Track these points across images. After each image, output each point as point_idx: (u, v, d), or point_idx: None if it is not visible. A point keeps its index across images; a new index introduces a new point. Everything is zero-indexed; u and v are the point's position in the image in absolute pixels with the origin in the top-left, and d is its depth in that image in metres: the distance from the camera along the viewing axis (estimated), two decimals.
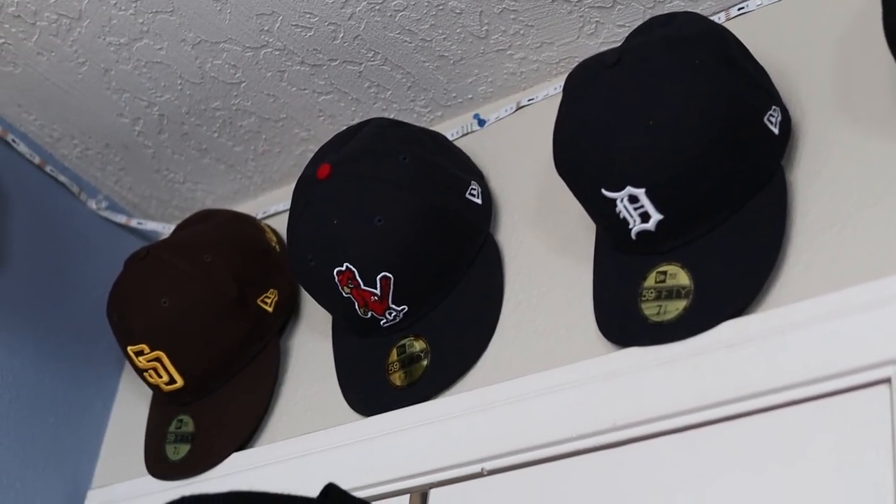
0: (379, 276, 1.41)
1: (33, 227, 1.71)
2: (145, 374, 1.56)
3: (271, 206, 1.74)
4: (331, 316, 1.54)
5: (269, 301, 1.57)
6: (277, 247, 1.63)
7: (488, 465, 1.32)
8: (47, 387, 1.67)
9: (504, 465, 1.31)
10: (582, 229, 1.39)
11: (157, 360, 1.54)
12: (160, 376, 1.55)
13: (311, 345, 1.58)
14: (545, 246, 1.43)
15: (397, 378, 1.42)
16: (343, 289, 1.42)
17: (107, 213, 1.79)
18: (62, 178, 1.75)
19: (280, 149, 1.69)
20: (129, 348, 1.55)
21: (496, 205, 1.49)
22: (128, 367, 1.74)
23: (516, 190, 1.49)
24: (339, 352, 1.51)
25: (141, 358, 1.55)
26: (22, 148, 1.71)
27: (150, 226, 1.81)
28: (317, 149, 1.62)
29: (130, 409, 1.71)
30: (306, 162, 1.67)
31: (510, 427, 1.31)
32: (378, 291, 1.41)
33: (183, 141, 1.70)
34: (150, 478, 1.59)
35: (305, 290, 1.50)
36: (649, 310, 1.26)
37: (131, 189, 1.79)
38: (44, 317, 1.70)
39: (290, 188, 1.72)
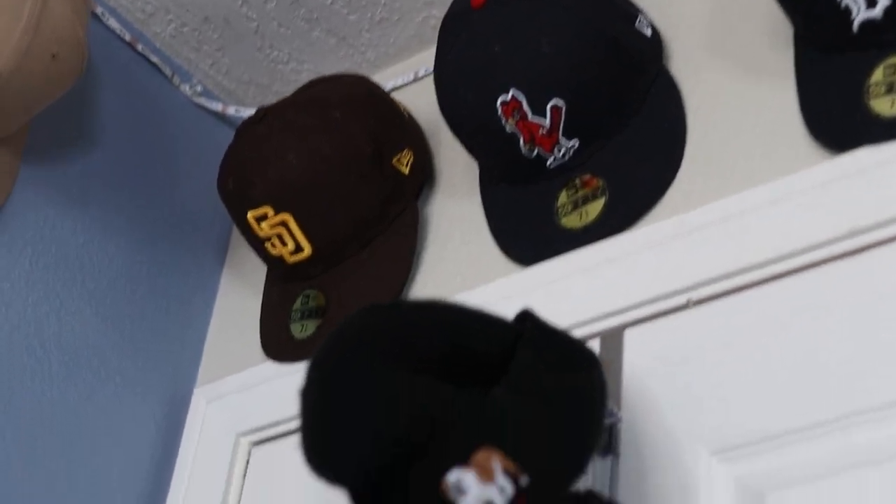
0: (549, 105, 1.26)
1: (124, 108, 1.55)
2: (267, 243, 1.40)
3: (387, 82, 1.58)
4: (475, 175, 1.39)
5: (404, 162, 1.41)
6: (406, 114, 1.48)
7: (695, 295, 1.16)
8: (145, 275, 1.50)
9: (715, 291, 1.16)
10: (765, 49, 1.25)
11: (283, 224, 1.38)
12: (285, 244, 1.39)
13: (452, 210, 1.41)
14: (724, 73, 1.28)
15: (570, 221, 1.27)
16: (507, 122, 1.27)
17: (202, 100, 1.63)
18: (154, 59, 1.59)
19: (399, 16, 1.55)
20: (249, 213, 1.39)
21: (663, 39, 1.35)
22: (231, 258, 1.59)
23: (680, 22, 1.35)
24: (492, 203, 1.36)
25: (263, 224, 1.38)
26: (112, 23, 1.56)
27: (248, 113, 1.64)
28: (441, 14, 1.47)
29: (236, 302, 1.55)
30: (427, 32, 1.54)
31: (720, 249, 1.16)
32: (547, 122, 1.26)
33: (291, 10, 1.55)
34: (264, 366, 1.43)
35: (457, 135, 1.35)
36: (881, 105, 1.12)
37: (228, 73, 1.64)
38: (138, 199, 1.53)
39: (406, 63, 1.60)
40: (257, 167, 1.38)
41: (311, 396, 0.96)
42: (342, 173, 1.37)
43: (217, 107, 1.64)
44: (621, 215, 1.24)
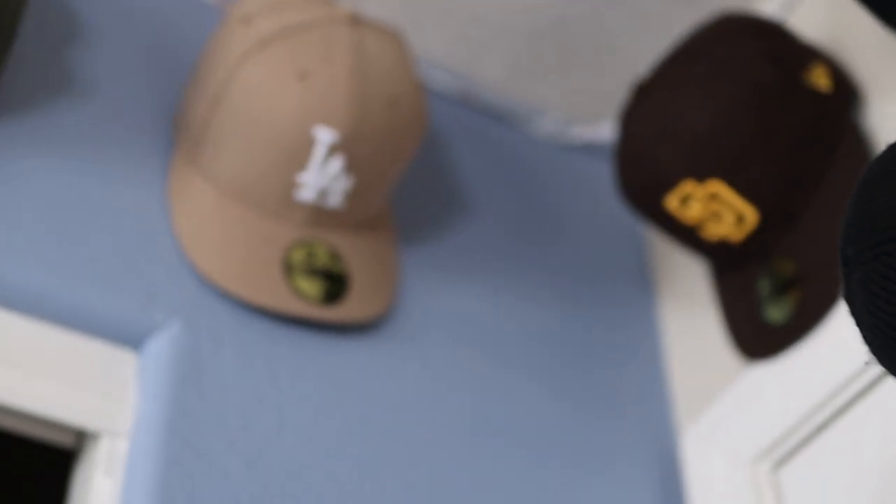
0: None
1: (482, 164, 1.36)
2: (700, 231, 1.15)
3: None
4: None
5: (820, 75, 1.16)
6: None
7: None
8: (570, 333, 1.28)
9: None
10: None
11: (714, 197, 1.13)
12: (724, 219, 1.14)
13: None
14: None
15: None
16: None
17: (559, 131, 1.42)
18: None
19: None
20: (668, 199, 1.14)
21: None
22: (660, 280, 1.34)
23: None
24: None
25: (692, 205, 1.14)
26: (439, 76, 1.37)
27: (606, 130, 1.41)
28: None
29: (681, 324, 1.30)
30: None
31: None
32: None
33: None
34: (746, 375, 1.17)
35: None
36: None
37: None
38: (534, 258, 1.32)
39: None
40: (658, 143, 1.15)
41: None
42: (756, 110, 1.13)
43: (577, 133, 1.42)
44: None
